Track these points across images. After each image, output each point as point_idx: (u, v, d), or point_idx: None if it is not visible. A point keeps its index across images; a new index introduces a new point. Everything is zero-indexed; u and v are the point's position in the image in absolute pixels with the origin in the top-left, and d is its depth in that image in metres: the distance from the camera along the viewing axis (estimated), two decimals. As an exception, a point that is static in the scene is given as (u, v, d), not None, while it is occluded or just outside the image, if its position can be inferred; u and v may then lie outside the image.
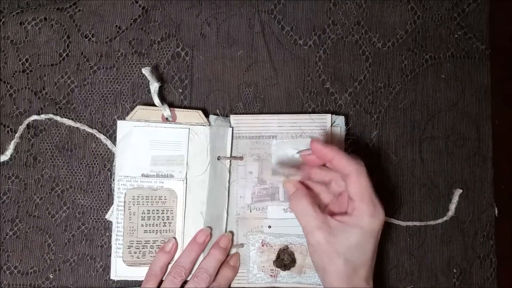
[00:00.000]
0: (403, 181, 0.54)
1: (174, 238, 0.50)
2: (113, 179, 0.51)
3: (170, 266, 0.50)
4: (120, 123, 0.50)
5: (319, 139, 0.48)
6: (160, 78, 0.52)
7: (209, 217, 0.51)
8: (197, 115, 0.51)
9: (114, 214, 0.50)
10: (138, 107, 0.51)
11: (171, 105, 0.52)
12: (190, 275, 0.49)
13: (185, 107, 0.53)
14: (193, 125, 0.51)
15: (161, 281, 0.49)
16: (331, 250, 0.42)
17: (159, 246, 0.50)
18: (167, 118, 0.51)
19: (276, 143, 0.51)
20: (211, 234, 0.50)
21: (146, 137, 0.50)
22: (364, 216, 0.42)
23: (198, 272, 0.49)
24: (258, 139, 0.52)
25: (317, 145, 0.44)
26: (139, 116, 0.51)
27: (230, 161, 0.51)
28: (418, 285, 0.53)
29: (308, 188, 0.47)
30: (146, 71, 0.48)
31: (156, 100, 0.49)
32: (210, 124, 0.51)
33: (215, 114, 0.52)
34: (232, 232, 0.51)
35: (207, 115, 0.52)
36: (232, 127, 0.51)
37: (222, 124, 0.51)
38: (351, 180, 0.42)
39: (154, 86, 0.49)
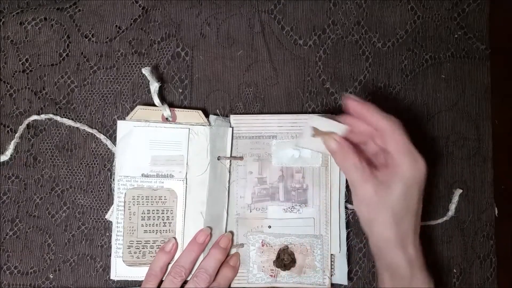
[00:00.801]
0: (403, 181, 0.54)
1: (174, 238, 0.50)
2: (113, 179, 0.51)
3: (170, 266, 0.50)
4: (120, 123, 0.50)
5: (352, 95, 0.47)
6: (160, 78, 0.52)
7: (209, 217, 0.51)
8: (197, 115, 0.51)
9: (114, 214, 0.50)
10: (138, 107, 0.51)
11: (171, 105, 0.52)
12: (190, 275, 0.49)
13: (185, 107, 0.53)
14: (193, 125, 0.51)
15: (161, 281, 0.49)
16: (379, 202, 0.43)
17: (159, 246, 0.50)
18: (167, 118, 0.51)
19: (276, 143, 0.51)
20: (211, 234, 0.50)
21: (146, 137, 0.50)
22: (406, 168, 0.43)
23: (198, 272, 0.49)
24: (258, 139, 0.52)
25: (351, 101, 0.45)
26: (139, 116, 0.51)
27: (230, 161, 0.51)
28: (418, 285, 0.53)
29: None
30: (146, 71, 0.48)
31: (156, 100, 0.49)
32: (210, 124, 0.51)
33: (215, 114, 0.52)
34: (232, 232, 0.51)
35: (207, 115, 0.52)
36: (232, 127, 0.51)
37: (222, 124, 0.51)
38: (388, 135, 0.44)
39: (154, 86, 0.49)
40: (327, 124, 0.46)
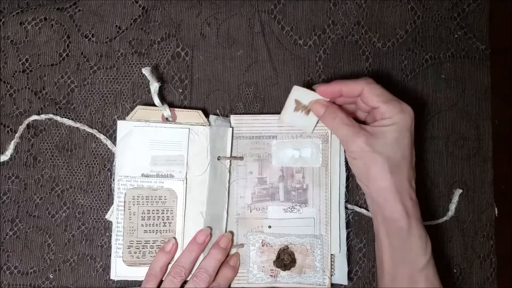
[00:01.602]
0: (403, 181, 0.54)
1: (174, 238, 0.50)
2: (113, 179, 0.51)
3: (170, 266, 0.50)
4: (120, 123, 0.50)
5: (320, 84, 0.49)
6: (160, 78, 0.52)
7: (209, 217, 0.51)
8: (197, 115, 0.51)
9: (114, 214, 0.50)
10: (138, 107, 0.51)
11: (171, 105, 0.52)
12: (190, 275, 0.49)
13: (185, 107, 0.53)
14: (193, 125, 0.51)
15: (161, 281, 0.49)
16: (372, 151, 0.44)
17: (159, 246, 0.50)
18: (167, 118, 0.51)
19: (276, 143, 0.51)
20: (211, 234, 0.50)
21: (146, 137, 0.50)
22: (394, 114, 0.45)
23: (198, 272, 0.49)
24: (258, 139, 0.52)
25: (321, 88, 0.47)
26: (139, 116, 0.51)
27: (230, 161, 0.51)
28: (418, 285, 0.53)
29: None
30: (146, 71, 0.48)
31: (156, 100, 0.49)
32: (210, 124, 0.51)
33: (215, 114, 0.52)
34: (232, 232, 0.51)
35: (207, 115, 0.52)
36: (232, 127, 0.51)
37: (222, 124, 0.51)
38: (367, 93, 0.45)
39: (154, 86, 0.49)
40: (309, 95, 0.48)
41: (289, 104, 0.49)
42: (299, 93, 0.48)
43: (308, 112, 0.49)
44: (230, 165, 0.51)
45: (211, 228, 0.50)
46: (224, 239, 0.50)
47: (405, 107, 0.45)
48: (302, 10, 0.54)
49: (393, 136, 0.45)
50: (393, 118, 0.45)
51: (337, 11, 0.54)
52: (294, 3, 0.54)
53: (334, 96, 0.48)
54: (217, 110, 0.53)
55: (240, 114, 0.53)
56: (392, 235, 0.45)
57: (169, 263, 0.50)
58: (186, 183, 0.51)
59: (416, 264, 0.45)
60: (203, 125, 0.51)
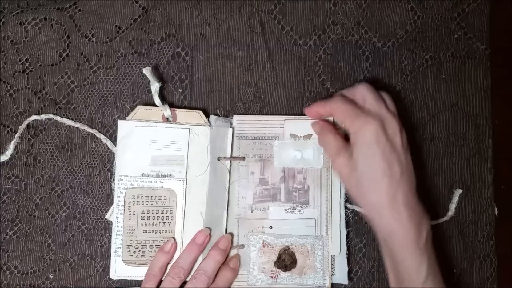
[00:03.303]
0: (403, 181, 0.54)
1: (174, 238, 0.50)
2: (113, 179, 0.51)
3: (169, 266, 0.50)
4: (120, 123, 0.50)
5: (309, 105, 0.50)
6: (160, 78, 0.52)
7: (209, 217, 0.51)
8: (198, 115, 0.51)
9: (114, 214, 0.50)
10: (139, 107, 0.51)
11: (171, 105, 0.52)
12: (190, 276, 0.49)
13: (185, 107, 0.53)
14: (194, 125, 0.51)
15: (160, 281, 0.49)
16: (352, 171, 0.45)
17: (159, 246, 0.50)
18: (167, 118, 0.51)
19: (279, 144, 0.51)
20: (210, 234, 0.50)
21: (146, 137, 0.50)
22: (357, 129, 0.45)
23: (197, 274, 0.48)
24: (260, 139, 0.52)
25: (307, 110, 0.50)
26: (139, 116, 0.51)
27: (230, 162, 0.51)
28: (418, 285, 0.53)
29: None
30: (147, 71, 0.48)
31: (157, 100, 0.49)
32: (210, 125, 0.51)
33: (216, 114, 0.52)
34: (232, 234, 0.51)
35: (207, 115, 0.52)
36: (233, 128, 0.51)
37: (223, 124, 0.51)
38: (337, 113, 0.47)
39: (155, 86, 0.49)
40: (302, 125, 0.51)
41: (287, 137, 0.51)
42: (293, 126, 0.51)
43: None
44: (230, 165, 0.51)
45: (210, 229, 0.50)
46: (224, 241, 0.50)
47: (368, 120, 0.45)
48: (302, 10, 0.54)
49: (360, 151, 0.45)
50: (357, 133, 0.45)
51: (337, 11, 0.54)
52: (294, 3, 0.54)
53: (318, 117, 0.50)
54: (217, 110, 0.53)
55: (241, 114, 0.53)
56: (386, 252, 0.46)
57: (168, 263, 0.50)
58: (186, 183, 0.51)
59: (416, 282, 0.44)
60: (204, 125, 0.51)
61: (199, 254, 0.50)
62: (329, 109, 0.48)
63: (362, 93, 0.47)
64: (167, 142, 0.50)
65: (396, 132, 0.46)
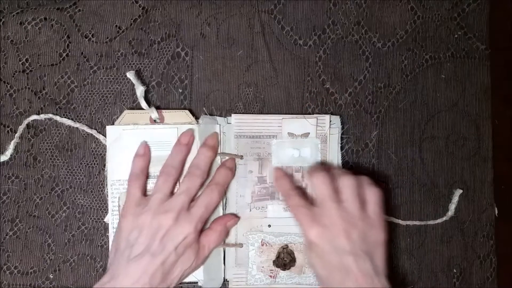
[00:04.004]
0: (403, 181, 0.54)
1: (145, 141, 0.50)
2: (106, 184, 0.51)
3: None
4: (109, 128, 0.50)
5: (276, 171, 0.51)
6: (144, 82, 0.52)
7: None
8: (184, 114, 0.51)
9: (110, 219, 0.50)
10: (126, 111, 0.51)
11: (158, 107, 0.52)
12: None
13: (185, 108, 0.53)
14: (181, 124, 0.51)
15: (145, 185, 0.49)
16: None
17: None
18: (155, 120, 0.51)
19: (276, 142, 0.51)
20: (194, 135, 0.50)
21: (135, 140, 0.50)
22: (305, 236, 0.45)
23: (190, 169, 0.48)
24: (258, 138, 0.52)
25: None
26: (127, 120, 0.51)
27: (221, 158, 0.51)
28: (418, 285, 0.53)
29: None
30: (130, 75, 0.48)
31: (143, 104, 0.49)
32: (198, 123, 0.51)
33: (208, 114, 0.52)
34: (217, 133, 0.51)
35: (196, 115, 0.52)
36: (220, 124, 0.51)
37: (210, 122, 0.51)
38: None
39: (140, 90, 0.49)
40: (300, 124, 0.51)
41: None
42: (289, 125, 0.51)
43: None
44: (220, 161, 0.51)
45: (193, 130, 0.50)
46: (211, 138, 0.50)
47: (306, 230, 0.44)
48: (302, 10, 0.54)
49: (305, 251, 0.46)
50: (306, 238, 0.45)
51: (337, 11, 0.54)
52: (294, 3, 0.54)
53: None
54: (204, 109, 0.52)
55: (241, 113, 0.53)
56: None
57: (147, 167, 0.49)
58: (179, 183, 0.50)
59: None
60: (191, 124, 0.51)
61: (187, 154, 0.49)
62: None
63: (346, 187, 0.45)
64: (157, 143, 0.50)
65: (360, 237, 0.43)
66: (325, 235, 0.43)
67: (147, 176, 0.49)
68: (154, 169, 0.50)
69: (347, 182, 0.45)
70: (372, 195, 0.45)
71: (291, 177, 0.51)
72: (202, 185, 0.48)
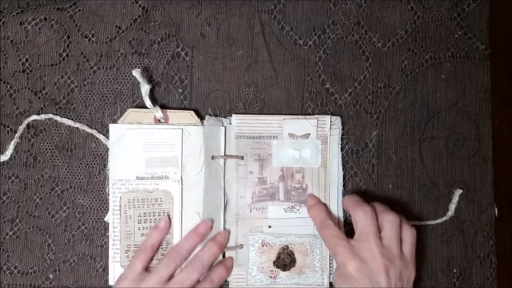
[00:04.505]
0: (403, 181, 0.54)
1: (168, 215, 0.50)
2: (108, 183, 0.51)
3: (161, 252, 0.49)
4: (112, 127, 0.50)
5: (310, 199, 0.51)
6: (149, 80, 0.52)
7: (206, 216, 0.50)
8: (189, 115, 0.51)
9: (110, 219, 0.50)
10: (130, 109, 0.51)
11: (163, 106, 0.52)
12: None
13: (185, 108, 0.53)
14: (186, 125, 0.51)
15: (151, 260, 0.48)
16: None
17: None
18: (159, 120, 0.51)
19: (277, 143, 0.51)
20: (212, 226, 0.50)
21: (139, 139, 0.50)
22: (343, 268, 0.45)
23: (193, 261, 0.48)
24: (259, 139, 0.52)
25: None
26: (131, 119, 0.51)
27: (224, 160, 0.51)
28: (418, 285, 0.53)
29: None
30: (136, 73, 0.48)
31: (148, 102, 0.49)
32: (203, 124, 0.51)
33: (210, 114, 0.52)
34: (229, 230, 0.51)
35: (202, 115, 0.52)
36: (225, 126, 0.51)
37: (215, 123, 0.51)
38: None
39: (145, 88, 0.49)
40: (300, 125, 0.52)
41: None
42: (290, 126, 0.50)
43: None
44: (224, 164, 0.51)
45: (213, 221, 0.50)
46: (222, 235, 0.50)
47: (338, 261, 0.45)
48: (302, 10, 0.54)
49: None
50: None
51: (337, 11, 0.54)
52: (294, 3, 0.54)
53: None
54: (210, 110, 0.52)
55: (241, 114, 0.53)
56: None
57: (160, 242, 0.49)
58: (182, 184, 0.50)
59: None
60: (196, 125, 0.51)
61: (199, 243, 0.49)
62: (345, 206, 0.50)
63: (389, 224, 0.46)
64: (161, 143, 0.50)
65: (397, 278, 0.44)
66: (365, 270, 0.44)
67: (156, 251, 0.49)
68: (153, 170, 0.50)
69: (389, 220, 0.46)
70: (409, 234, 0.46)
71: (325, 205, 0.51)
72: (198, 281, 0.47)
